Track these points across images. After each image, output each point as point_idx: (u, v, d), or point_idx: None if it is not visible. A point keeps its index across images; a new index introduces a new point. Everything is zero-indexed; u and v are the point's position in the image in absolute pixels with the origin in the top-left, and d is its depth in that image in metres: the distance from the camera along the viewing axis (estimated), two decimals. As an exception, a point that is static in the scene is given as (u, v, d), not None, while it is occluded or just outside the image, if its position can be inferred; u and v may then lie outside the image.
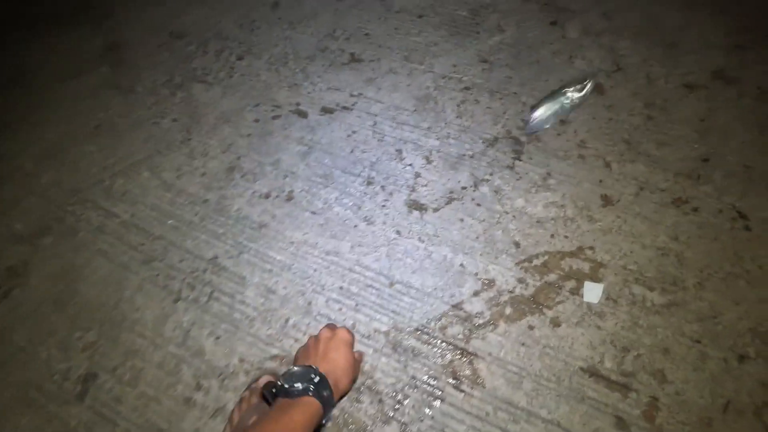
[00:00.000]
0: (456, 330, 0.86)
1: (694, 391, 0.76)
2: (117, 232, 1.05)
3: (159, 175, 1.11)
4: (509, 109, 1.11)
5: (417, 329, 0.87)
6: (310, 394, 0.59)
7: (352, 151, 1.09)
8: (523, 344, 0.84)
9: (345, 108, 1.16)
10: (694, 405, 0.75)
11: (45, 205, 1.11)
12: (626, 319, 0.84)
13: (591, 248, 0.91)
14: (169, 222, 1.05)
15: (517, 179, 1.01)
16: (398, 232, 0.98)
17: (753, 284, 0.84)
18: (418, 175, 1.04)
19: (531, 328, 0.85)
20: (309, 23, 1.36)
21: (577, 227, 0.94)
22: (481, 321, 0.87)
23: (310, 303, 0.91)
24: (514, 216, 0.96)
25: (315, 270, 0.95)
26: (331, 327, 0.73)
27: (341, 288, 0.92)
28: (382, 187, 1.04)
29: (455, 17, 1.28)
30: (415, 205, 1.00)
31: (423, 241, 0.96)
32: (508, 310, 0.87)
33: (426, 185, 1.03)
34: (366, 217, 1.00)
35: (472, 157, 1.05)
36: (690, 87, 1.09)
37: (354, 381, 0.74)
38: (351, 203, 1.02)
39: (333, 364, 0.66)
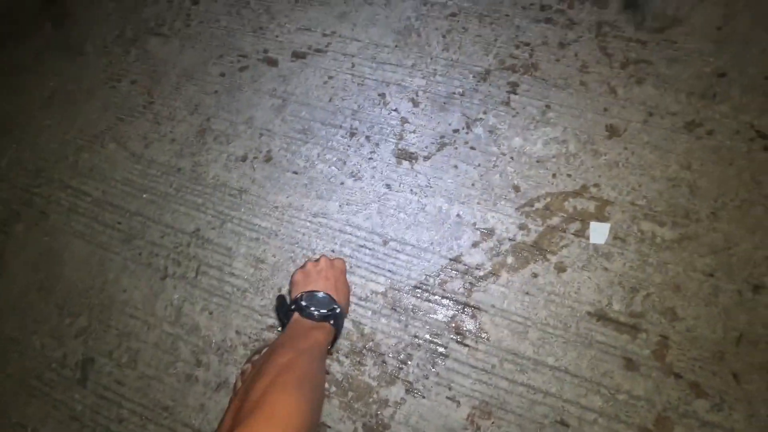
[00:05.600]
0: (456, 284, 0.82)
1: (706, 327, 0.74)
2: (91, 212, 0.98)
3: (125, 146, 1.03)
4: (501, 35, 0.99)
5: (416, 287, 0.83)
6: (331, 322, 0.61)
7: (330, 100, 0.99)
8: (527, 293, 0.80)
9: (318, 51, 1.04)
10: (706, 340, 0.73)
11: (9, 189, 1.03)
12: (635, 258, 0.79)
13: (596, 185, 0.85)
14: (144, 196, 0.98)
15: (514, 116, 0.92)
16: (388, 186, 0.91)
17: (771, 210, 0.78)
18: (404, 120, 0.95)
19: (535, 275, 0.81)
20: (268, -48, 1.19)
21: (581, 163, 0.86)
22: (481, 273, 0.82)
23: (301, 269, 0.87)
24: (511, 157, 0.89)
25: (303, 234, 0.89)
26: (325, 257, 0.71)
27: (333, 251, 0.87)
28: (367, 137, 0.95)
29: (435, -71, 1.10)
30: (405, 155, 0.93)
31: (415, 194, 0.89)
32: (509, 260, 0.82)
33: (414, 131, 0.94)
34: (352, 172, 0.93)
35: (462, 95, 0.95)
36: (705, -11, 0.95)
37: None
38: (335, 158, 0.94)
39: (341, 295, 0.67)
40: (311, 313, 0.61)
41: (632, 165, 0.85)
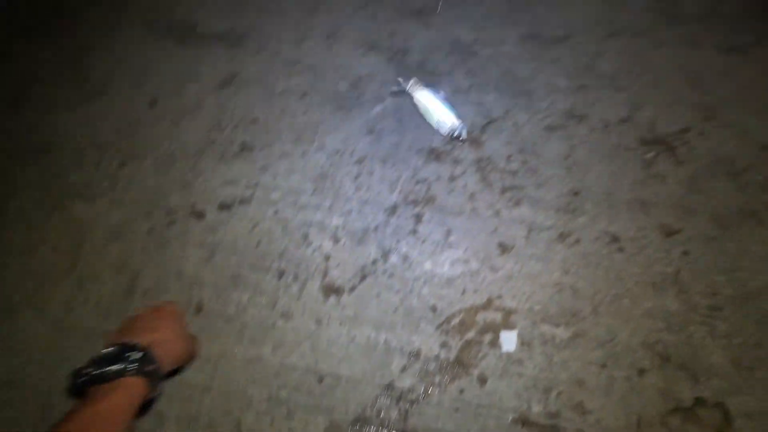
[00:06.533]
0: (393, 412, 0.86)
1: (610, 415, 0.84)
2: (-1, 395, 0.91)
3: (43, 315, 1.00)
4: (402, 174, 1.17)
5: (355, 421, 0.86)
6: (129, 373, 0.54)
7: (257, 245, 1.07)
8: (457, 410, 0.86)
9: (243, 201, 1.15)
10: (613, 429, 0.82)
11: None
12: (542, 360, 0.90)
13: (499, 297, 0.98)
14: (64, 367, 0.93)
15: (422, 243, 1.06)
16: (318, 322, 0.97)
17: (635, 300, 0.95)
18: (328, 257, 1.05)
19: (461, 391, 0.88)
20: (192, 116, 1.33)
21: (483, 279, 1.00)
22: (414, 396, 0.88)
23: (238, 423, 0.86)
24: (425, 280, 1.01)
25: (238, 384, 0.90)
26: (155, 305, 0.69)
27: (269, 397, 0.88)
28: (295, 276, 1.03)
29: (337, 92, 1.33)
30: (331, 289, 1.01)
31: (344, 326, 0.96)
32: (437, 378, 0.89)
33: (338, 266, 1.04)
34: (283, 312, 0.98)
35: (376, 229, 1.08)
36: (551, 129, 1.23)
37: (193, 354, 0.74)
38: (265, 301, 1.00)
39: (159, 334, 0.61)
40: (97, 376, 0.53)
41: (524, 275, 1.00)
